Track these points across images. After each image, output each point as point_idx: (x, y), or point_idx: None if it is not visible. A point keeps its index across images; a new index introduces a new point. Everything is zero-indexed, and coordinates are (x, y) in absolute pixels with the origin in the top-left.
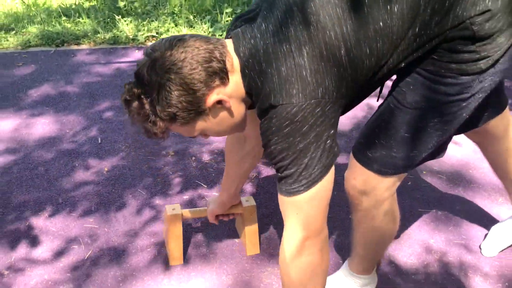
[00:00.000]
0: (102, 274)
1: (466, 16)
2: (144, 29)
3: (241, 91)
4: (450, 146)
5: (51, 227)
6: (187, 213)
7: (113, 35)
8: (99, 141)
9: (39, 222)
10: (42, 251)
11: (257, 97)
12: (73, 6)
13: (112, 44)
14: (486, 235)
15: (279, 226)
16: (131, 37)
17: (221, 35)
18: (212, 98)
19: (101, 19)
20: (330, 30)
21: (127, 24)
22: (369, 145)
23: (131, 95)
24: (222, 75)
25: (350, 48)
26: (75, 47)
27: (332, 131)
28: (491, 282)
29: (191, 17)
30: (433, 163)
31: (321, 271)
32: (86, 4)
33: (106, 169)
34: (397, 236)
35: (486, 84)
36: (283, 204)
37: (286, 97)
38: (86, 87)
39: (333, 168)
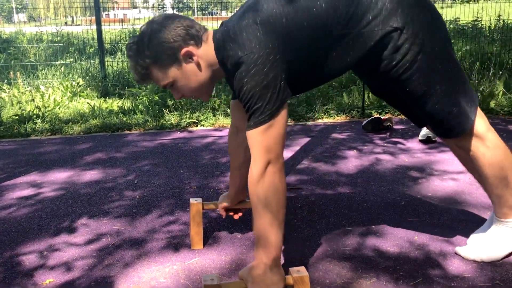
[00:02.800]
0: (121, 253)
1: None
2: (186, 117)
3: (211, 57)
4: (447, 178)
5: (86, 228)
6: (206, 204)
7: (160, 123)
8: (135, 182)
9: (77, 224)
10: (76, 240)
11: (228, 58)
12: (130, 107)
13: (158, 129)
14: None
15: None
16: (174, 123)
17: None
18: (185, 49)
19: (152, 113)
20: (275, 8)
21: (173, 116)
22: None
23: (132, 42)
24: (196, 39)
25: (288, 19)
26: (127, 132)
27: (284, 75)
28: (468, 262)
29: (229, 110)
30: (428, 190)
31: (281, 189)
32: (141, 107)
33: (138, 196)
34: (383, 234)
35: None
36: (251, 138)
37: (248, 49)
38: (132, 154)
39: (286, 104)
